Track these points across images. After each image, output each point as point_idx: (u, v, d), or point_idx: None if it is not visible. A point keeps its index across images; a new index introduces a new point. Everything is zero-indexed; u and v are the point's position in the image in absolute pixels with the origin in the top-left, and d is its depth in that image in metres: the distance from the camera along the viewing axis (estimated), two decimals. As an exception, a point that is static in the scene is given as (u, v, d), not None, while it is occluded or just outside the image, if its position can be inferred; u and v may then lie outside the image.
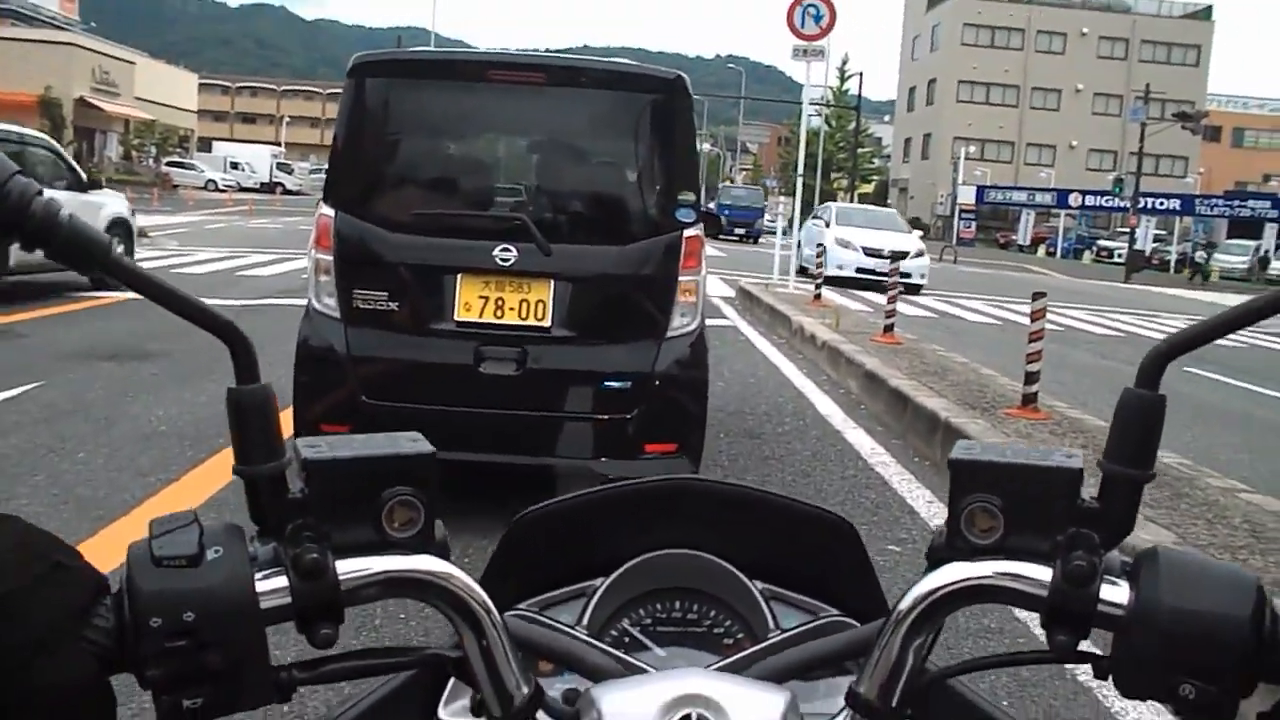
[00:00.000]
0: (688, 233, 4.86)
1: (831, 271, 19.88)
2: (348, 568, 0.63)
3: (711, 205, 43.36)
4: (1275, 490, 5.85)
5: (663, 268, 4.87)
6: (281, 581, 0.62)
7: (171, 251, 19.45)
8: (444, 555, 0.66)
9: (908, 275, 19.99)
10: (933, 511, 5.44)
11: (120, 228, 12.96)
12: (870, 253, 20.89)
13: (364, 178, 5.02)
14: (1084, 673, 3.68)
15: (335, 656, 0.66)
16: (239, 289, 13.07)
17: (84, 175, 12.80)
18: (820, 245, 19.78)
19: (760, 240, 39.33)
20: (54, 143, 12.66)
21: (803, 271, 20.30)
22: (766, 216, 41.88)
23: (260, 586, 0.61)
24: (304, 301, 4.96)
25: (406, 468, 0.65)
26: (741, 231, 37.77)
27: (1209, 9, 74.20)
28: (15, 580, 0.56)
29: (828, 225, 22.33)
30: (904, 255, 20.01)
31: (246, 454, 0.64)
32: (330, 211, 4.83)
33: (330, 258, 4.79)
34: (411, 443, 0.67)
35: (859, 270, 20.95)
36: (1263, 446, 8.39)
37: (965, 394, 7.98)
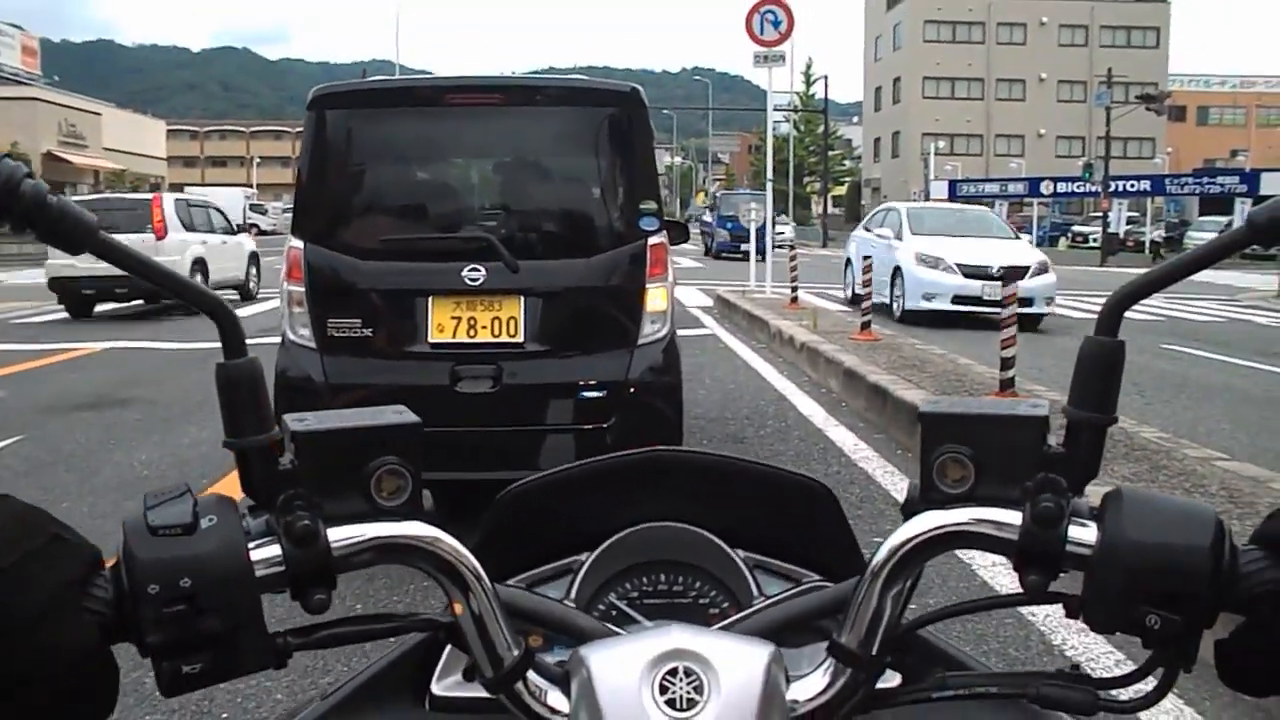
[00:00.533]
0: (652, 241, 4.94)
1: (916, 304, 14.99)
2: (339, 535, 0.65)
3: (708, 217, 38.17)
4: (1253, 457, 5.92)
5: (630, 277, 4.94)
6: (275, 550, 0.63)
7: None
8: (432, 522, 0.67)
9: (1028, 302, 13.92)
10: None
11: (253, 258, 19.18)
12: (971, 273, 14.62)
13: (331, 208, 5.11)
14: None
15: (329, 623, 0.67)
16: (215, 331, 12.97)
17: (234, 225, 19.03)
18: (896, 266, 15.41)
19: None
20: (218, 205, 19.24)
21: (856, 301, 14.94)
22: (779, 226, 33.27)
23: (254, 555, 0.62)
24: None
25: (393, 437, 0.67)
26: (749, 247, 22.91)
27: (1164, -10, 74.88)
28: (14, 553, 0.58)
29: (898, 237, 16.13)
30: (1021, 273, 12.74)
31: (236, 426, 0.65)
32: (299, 243, 4.91)
33: (302, 289, 4.87)
34: (397, 414, 0.68)
35: (957, 300, 14.78)
36: (1240, 416, 8.45)
37: (944, 384, 8.04)
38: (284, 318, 4.99)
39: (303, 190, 5.09)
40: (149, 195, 18.04)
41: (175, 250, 16.42)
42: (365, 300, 4.91)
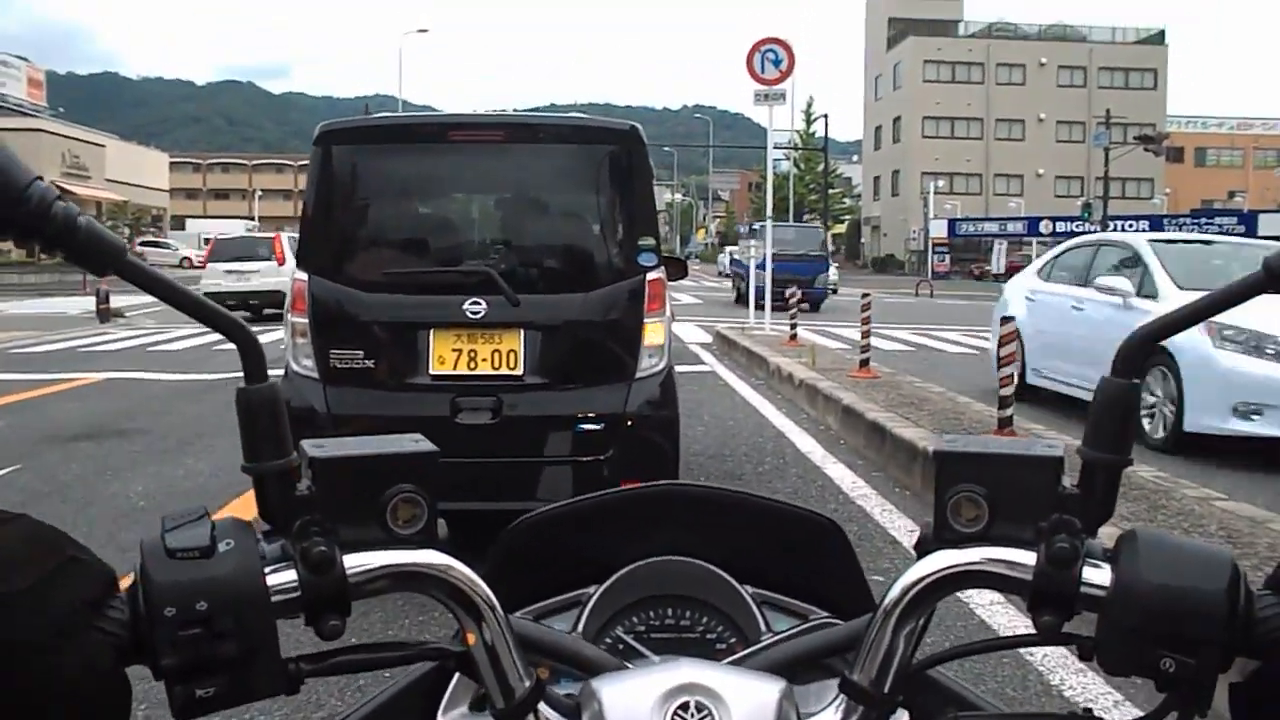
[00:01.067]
0: (650, 276, 5.01)
1: (1222, 423, 7.66)
2: (354, 562, 0.65)
3: (738, 254, 29.58)
4: (1251, 497, 5.90)
5: (628, 312, 5.01)
6: (290, 575, 0.63)
7: (148, 330, 19.44)
8: (447, 551, 0.67)
9: None
10: (914, 540, 5.46)
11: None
12: None
13: (335, 241, 5.18)
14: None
15: (342, 650, 0.67)
16: (215, 363, 13.02)
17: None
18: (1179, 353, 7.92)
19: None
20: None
21: (1027, 393, 9.97)
22: (832, 272, 29.07)
23: (270, 580, 0.62)
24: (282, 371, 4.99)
25: (409, 466, 0.67)
26: (794, 294, 15.95)
27: (1162, 33, 75.59)
28: (32, 575, 0.58)
29: (1144, 293, 8.95)
30: None
31: (255, 451, 0.65)
32: (304, 275, 5.00)
33: (306, 320, 4.94)
34: (414, 443, 0.68)
35: None
36: (1238, 457, 8.41)
37: (942, 422, 8.02)
38: (288, 349, 5.03)
39: (308, 224, 5.15)
40: (273, 235, 24.50)
41: (289, 273, 21.87)
42: (368, 332, 4.98)
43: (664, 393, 5.06)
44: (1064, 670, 3.80)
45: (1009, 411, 7.54)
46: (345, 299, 5.00)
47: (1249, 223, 43.15)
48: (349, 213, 5.31)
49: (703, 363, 14.36)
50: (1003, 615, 4.31)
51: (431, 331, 4.90)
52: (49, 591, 0.58)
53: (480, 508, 4.75)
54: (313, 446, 0.67)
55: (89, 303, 22.98)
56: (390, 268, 5.16)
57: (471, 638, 0.68)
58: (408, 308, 4.99)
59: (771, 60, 16.53)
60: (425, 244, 5.54)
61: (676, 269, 6.10)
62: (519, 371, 4.89)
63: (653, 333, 5.01)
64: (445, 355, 4.89)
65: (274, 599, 0.62)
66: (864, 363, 11.40)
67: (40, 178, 0.59)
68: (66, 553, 0.60)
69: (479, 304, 4.86)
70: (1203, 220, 47.15)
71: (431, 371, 4.89)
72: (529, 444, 4.96)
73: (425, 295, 5.01)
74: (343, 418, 4.85)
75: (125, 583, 0.62)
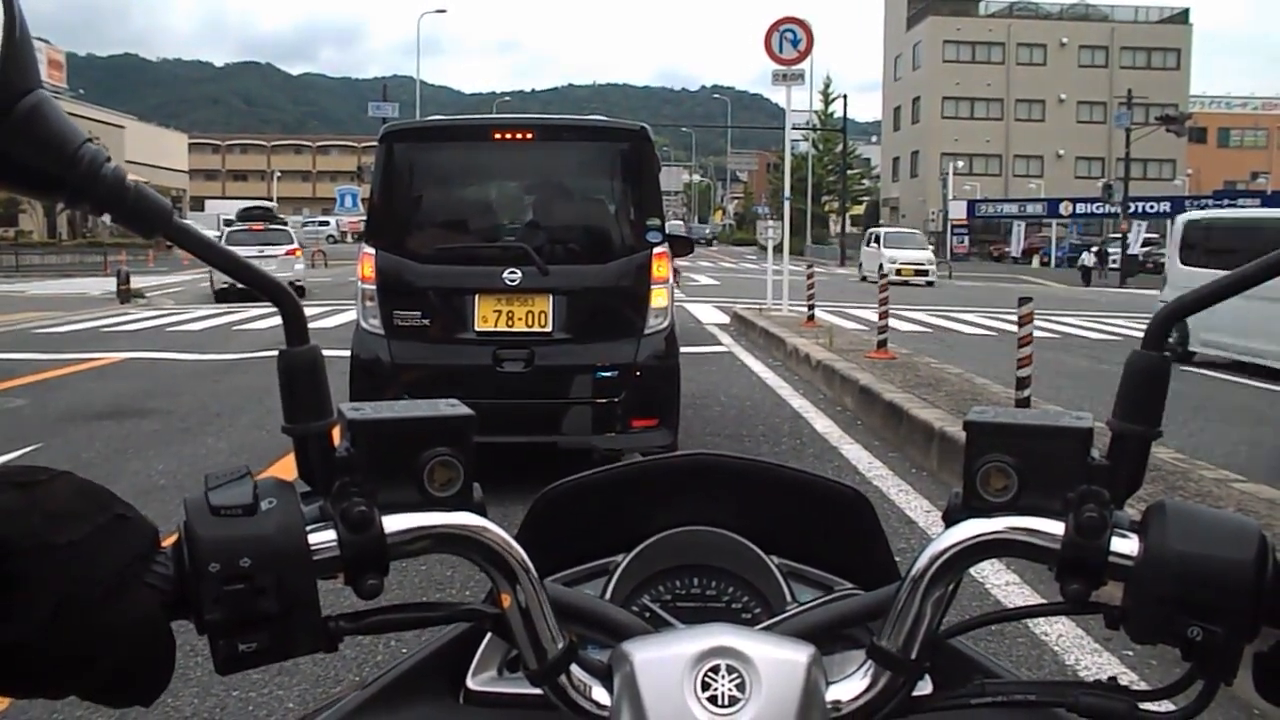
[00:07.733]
0: (656, 250, 5.98)
1: None
2: (392, 523, 0.66)
3: None
4: (1271, 480, 5.87)
5: (638, 280, 5.98)
6: (330, 535, 0.64)
7: (168, 311, 19.56)
8: (482, 514, 0.68)
9: None
10: (930, 520, 5.45)
11: None
12: None
13: (397, 221, 6.16)
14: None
15: (379, 609, 0.68)
16: (236, 343, 13.12)
17: None
18: None
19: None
20: None
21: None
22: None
23: (311, 539, 0.63)
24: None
25: (446, 429, 0.68)
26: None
27: (1185, 12, 74.73)
28: (83, 528, 0.59)
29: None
30: None
31: (295, 413, 0.66)
32: (371, 249, 6.00)
33: (373, 286, 5.93)
34: (450, 407, 0.69)
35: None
36: (1259, 438, 8.40)
37: (959, 403, 8.00)
38: (358, 310, 6.01)
39: (374, 207, 6.16)
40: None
41: None
42: (424, 296, 5.94)
43: (667, 346, 6.00)
44: (1079, 650, 3.80)
45: (1027, 393, 7.53)
46: (405, 269, 5.94)
47: (1272, 204, 42.71)
48: (409, 198, 6.26)
49: (720, 343, 14.35)
50: (1018, 596, 4.31)
51: (476, 296, 5.85)
52: (100, 545, 0.59)
53: (517, 440, 5.72)
54: (350, 409, 0.68)
55: (110, 283, 23.14)
56: (442, 243, 6.13)
57: (506, 600, 0.69)
58: (457, 276, 5.94)
59: (790, 40, 16.45)
60: (470, 224, 6.51)
61: (682, 246, 6.95)
62: (548, 329, 5.85)
63: (658, 297, 5.96)
64: (488, 315, 5.84)
65: (315, 557, 0.63)
66: (881, 344, 11.39)
67: (91, 139, 0.60)
68: (114, 509, 0.61)
69: (515, 273, 5.81)
70: (1224, 202, 46.74)
71: (477, 329, 5.86)
72: (556, 388, 5.90)
73: (471, 266, 5.96)
74: (404, 366, 5.85)
75: (167, 542, 0.63)
